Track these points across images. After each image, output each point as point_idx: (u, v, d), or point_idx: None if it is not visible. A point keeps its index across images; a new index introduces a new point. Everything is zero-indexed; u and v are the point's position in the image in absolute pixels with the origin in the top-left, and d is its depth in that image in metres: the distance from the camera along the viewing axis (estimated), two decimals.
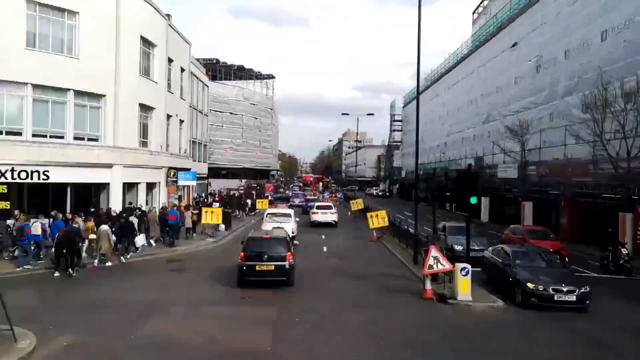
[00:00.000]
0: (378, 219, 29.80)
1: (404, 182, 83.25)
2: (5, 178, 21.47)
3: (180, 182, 34.93)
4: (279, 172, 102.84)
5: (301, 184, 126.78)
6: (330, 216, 37.74)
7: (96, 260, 19.59)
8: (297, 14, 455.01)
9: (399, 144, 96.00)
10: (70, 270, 17.49)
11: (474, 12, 68.43)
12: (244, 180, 77.53)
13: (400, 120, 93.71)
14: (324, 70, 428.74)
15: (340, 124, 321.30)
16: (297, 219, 30.59)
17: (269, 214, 28.41)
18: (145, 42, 28.75)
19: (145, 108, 29.09)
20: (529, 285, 14.32)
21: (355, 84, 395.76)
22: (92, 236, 19.64)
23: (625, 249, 20.83)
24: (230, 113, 75.34)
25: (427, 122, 78.08)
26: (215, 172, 73.73)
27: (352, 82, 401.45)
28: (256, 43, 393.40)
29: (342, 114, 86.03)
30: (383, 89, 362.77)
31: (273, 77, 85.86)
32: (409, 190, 78.97)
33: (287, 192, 79.70)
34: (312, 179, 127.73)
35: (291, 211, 29.88)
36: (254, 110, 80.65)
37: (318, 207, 39.08)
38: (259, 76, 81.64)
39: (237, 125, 76.43)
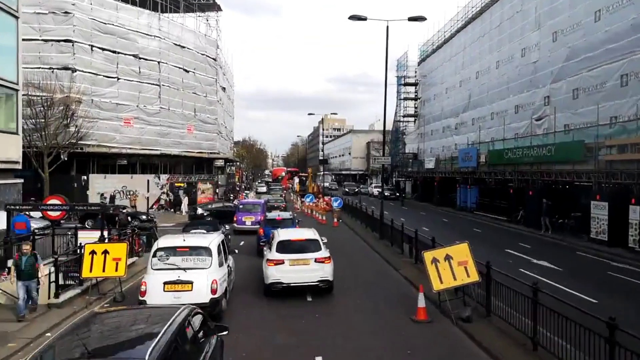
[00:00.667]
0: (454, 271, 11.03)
1: (431, 176, 52.38)
2: None
3: None
4: (235, 163, 70.13)
5: (269, 181, 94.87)
6: (314, 273, 13.29)
7: None
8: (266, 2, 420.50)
9: (412, 119, 65.00)
10: None
11: None
12: (163, 177, 45.20)
13: (414, 84, 62.84)
14: (295, 62, 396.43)
15: (314, 117, 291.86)
16: (230, 266, 13.36)
17: (160, 252, 11.60)
18: None
19: None
20: None
21: (329, 77, 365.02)
22: None
23: None
24: (135, 57, 42.82)
25: (449, 87, 48.13)
26: (106, 160, 41.45)
27: (325, 74, 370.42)
28: None
29: (308, 114, 56.91)
30: (358, 81, 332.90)
31: (218, 9, 53.43)
32: (445, 188, 48.17)
33: (237, 197, 48.11)
34: (284, 173, 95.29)
35: (214, 242, 12.09)
36: (184, 58, 48.03)
37: (285, 247, 13.66)
38: (190, 4, 49.12)
39: (148, 79, 43.82)
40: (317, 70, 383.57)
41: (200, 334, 6.50)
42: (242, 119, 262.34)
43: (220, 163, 52.75)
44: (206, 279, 10.85)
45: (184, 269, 10.98)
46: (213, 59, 52.95)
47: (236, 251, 17.15)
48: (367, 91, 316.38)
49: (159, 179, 44.50)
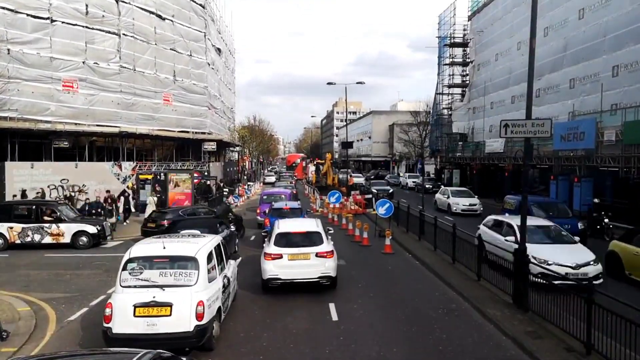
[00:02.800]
0: None
1: (494, 163, 38.73)
2: None
3: None
4: (235, 148, 56.51)
5: (279, 170, 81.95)
6: (315, 269, 12.37)
7: None
8: None
9: (459, 91, 51.05)
10: None
11: None
12: (127, 165, 31.93)
13: (463, 44, 48.79)
14: (311, 47, 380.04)
15: (328, 102, 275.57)
16: (228, 276, 10.84)
17: (131, 263, 8.92)
18: None
19: None
20: None
21: (346, 61, 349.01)
22: None
23: None
24: None
25: (524, 41, 34.23)
26: (37, 142, 28.42)
27: (343, 57, 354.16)
28: None
29: (328, 83, 41.98)
30: (378, 64, 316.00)
31: None
32: (515, 178, 34.43)
33: (222, 194, 35.00)
34: (299, 159, 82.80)
35: (203, 249, 9.44)
36: (154, 2, 34.58)
37: (284, 240, 12.83)
38: None
39: (101, 24, 30.53)
40: (334, 53, 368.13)
41: None
42: (257, 105, 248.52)
43: (211, 146, 39.52)
44: (190, 300, 8.37)
45: (162, 287, 8.46)
46: (200, 5, 39.31)
47: (240, 258, 15.05)
48: (384, 74, 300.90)
49: (120, 169, 31.32)
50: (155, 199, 26.21)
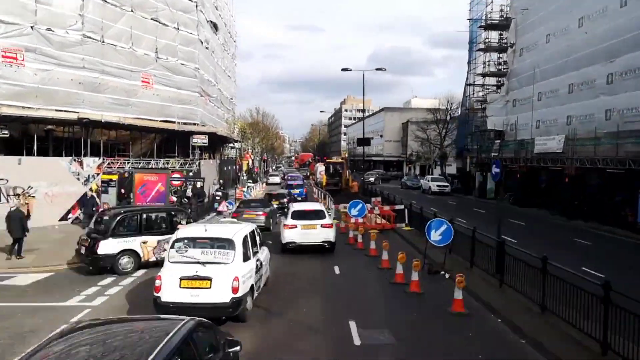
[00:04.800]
0: None
1: (546, 166, 31.86)
2: None
3: None
4: (235, 143, 49.47)
5: (282, 172, 77.02)
6: (320, 235, 17.59)
7: None
8: None
9: (491, 83, 44.02)
10: None
11: None
12: (90, 161, 25.10)
13: (501, 26, 41.73)
14: (321, 44, 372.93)
15: (335, 101, 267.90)
16: (261, 260, 12.14)
17: (179, 242, 10.51)
18: None
19: None
20: None
21: (359, 58, 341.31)
22: None
23: None
24: None
25: (590, 15, 27.71)
26: None
27: (360, 54, 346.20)
28: None
29: (342, 69, 35.06)
30: (390, 60, 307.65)
31: None
32: (577, 184, 27.67)
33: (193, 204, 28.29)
34: (310, 159, 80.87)
35: (239, 233, 10.91)
36: None
37: (298, 215, 18.09)
38: None
39: None
40: (348, 50, 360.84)
41: (207, 353, 5.61)
42: (265, 102, 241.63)
43: (202, 140, 32.64)
44: (227, 276, 9.62)
45: (203, 263, 9.77)
46: None
47: (270, 242, 14.40)
48: (397, 71, 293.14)
49: (81, 166, 24.51)
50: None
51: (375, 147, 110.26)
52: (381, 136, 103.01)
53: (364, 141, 39.92)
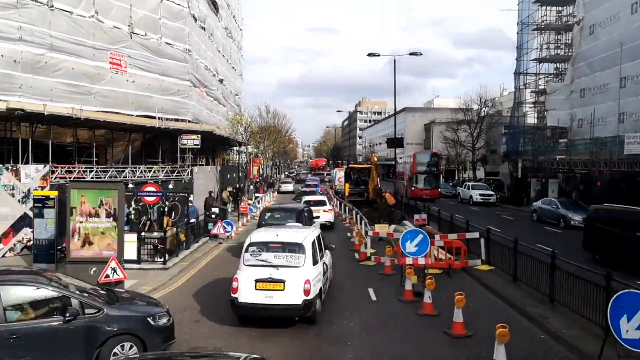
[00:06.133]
0: None
1: (635, 169, 24.04)
2: None
3: None
4: (241, 146, 42.25)
5: (294, 178, 71.80)
6: (323, 217, 23.92)
7: None
8: None
9: (545, 71, 36.39)
10: None
11: None
12: (32, 168, 18.02)
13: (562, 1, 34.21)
14: (331, 43, 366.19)
15: (349, 104, 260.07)
16: (326, 263, 12.27)
17: (252, 247, 11.04)
18: None
19: None
20: None
21: (372, 58, 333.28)
22: None
23: None
24: None
25: None
26: None
27: (382, 58, 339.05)
28: None
29: (368, 54, 28.82)
30: (410, 61, 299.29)
31: None
32: None
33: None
34: (324, 163, 76.81)
35: (308, 237, 11.49)
36: None
37: (307, 203, 23.46)
38: None
39: None
40: (366, 50, 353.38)
41: None
42: (279, 106, 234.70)
43: (192, 141, 25.54)
44: (299, 278, 10.08)
45: (276, 267, 10.27)
46: None
47: (333, 246, 14.08)
48: (415, 73, 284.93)
49: (17, 177, 17.49)
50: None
51: (394, 150, 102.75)
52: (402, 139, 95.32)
53: (396, 142, 32.44)
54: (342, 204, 32.66)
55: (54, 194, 15.54)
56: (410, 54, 32.41)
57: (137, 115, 22.81)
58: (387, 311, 11.29)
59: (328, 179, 70.46)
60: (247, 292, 9.85)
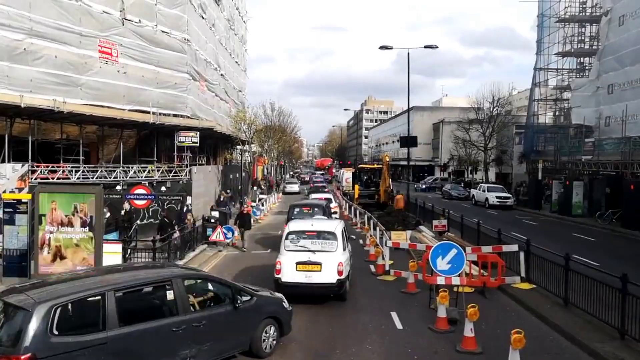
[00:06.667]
0: None
1: None
2: None
3: None
4: (245, 144, 40.24)
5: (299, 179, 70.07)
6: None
7: None
8: None
9: (574, 63, 34.21)
10: None
11: None
12: (9, 167, 16.04)
13: None
14: (340, 43, 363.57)
15: (355, 104, 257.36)
16: (350, 250, 13.82)
17: (291, 235, 12.75)
18: None
19: None
20: None
21: (383, 57, 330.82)
22: None
23: None
24: None
25: None
26: None
27: (386, 56, 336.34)
28: None
29: (380, 47, 26.97)
30: (419, 60, 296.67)
31: None
32: None
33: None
34: (329, 164, 75.65)
35: (338, 227, 13.23)
36: None
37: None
38: None
39: None
40: (369, 53, 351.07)
41: None
42: (288, 105, 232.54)
43: (190, 139, 23.57)
44: (333, 261, 11.64)
45: (313, 251, 11.83)
46: None
47: (353, 237, 16.40)
48: (422, 72, 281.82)
49: None
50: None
51: (401, 151, 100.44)
52: None
53: (410, 141, 30.23)
54: (352, 207, 30.56)
55: (27, 197, 13.51)
56: (426, 46, 30.37)
57: (129, 110, 20.79)
58: (418, 345, 9.20)
59: (335, 180, 68.43)
60: (289, 273, 11.48)
